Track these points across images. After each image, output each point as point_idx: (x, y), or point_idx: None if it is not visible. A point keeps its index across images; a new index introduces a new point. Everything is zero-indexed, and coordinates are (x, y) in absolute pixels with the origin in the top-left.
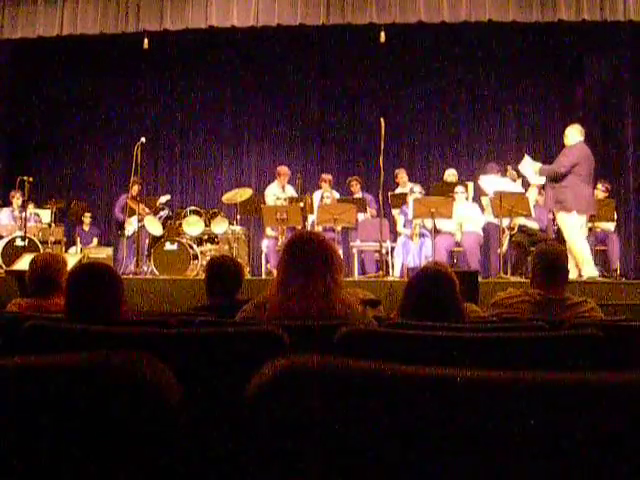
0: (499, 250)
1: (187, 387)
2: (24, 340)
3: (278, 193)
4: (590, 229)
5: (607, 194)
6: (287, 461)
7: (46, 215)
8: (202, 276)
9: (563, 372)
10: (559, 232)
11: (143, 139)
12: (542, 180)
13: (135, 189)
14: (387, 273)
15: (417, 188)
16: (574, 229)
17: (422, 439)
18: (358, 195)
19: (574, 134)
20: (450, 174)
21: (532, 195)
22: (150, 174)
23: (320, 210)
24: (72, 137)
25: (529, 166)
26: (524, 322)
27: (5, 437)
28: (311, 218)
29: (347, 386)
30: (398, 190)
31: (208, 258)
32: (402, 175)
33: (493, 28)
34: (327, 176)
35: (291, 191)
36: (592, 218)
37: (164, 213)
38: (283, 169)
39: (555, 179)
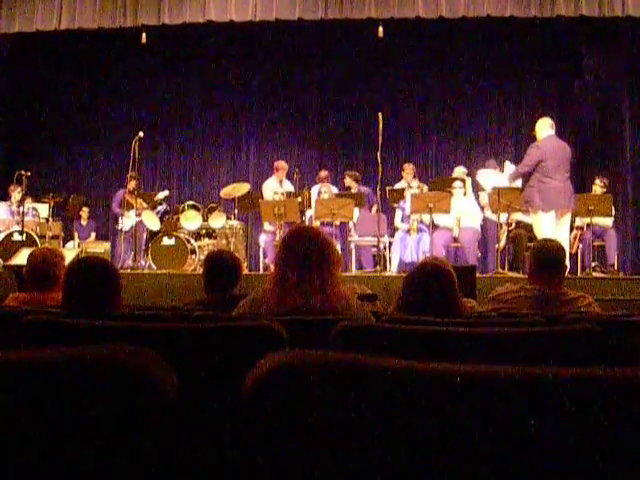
0: (497, 245)
1: (184, 381)
2: (22, 334)
3: (276, 188)
4: (588, 224)
5: (605, 189)
6: (284, 456)
7: (44, 210)
8: (200, 271)
9: (560, 367)
10: None
11: (141, 134)
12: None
13: (132, 184)
14: (384, 268)
15: (415, 183)
16: (543, 227)
17: (419, 434)
18: (355, 190)
19: (543, 128)
20: (459, 172)
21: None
22: (148, 169)
23: (318, 205)
24: (70, 131)
25: (494, 176)
26: (522, 317)
27: (3, 433)
28: (309, 213)
29: (344, 381)
30: (398, 185)
31: (206, 253)
32: (408, 170)
33: (491, 23)
34: (323, 173)
35: (289, 186)
36: (590, 213)
37: (162, 208)
38: (281, 164)
39: (525, 177)
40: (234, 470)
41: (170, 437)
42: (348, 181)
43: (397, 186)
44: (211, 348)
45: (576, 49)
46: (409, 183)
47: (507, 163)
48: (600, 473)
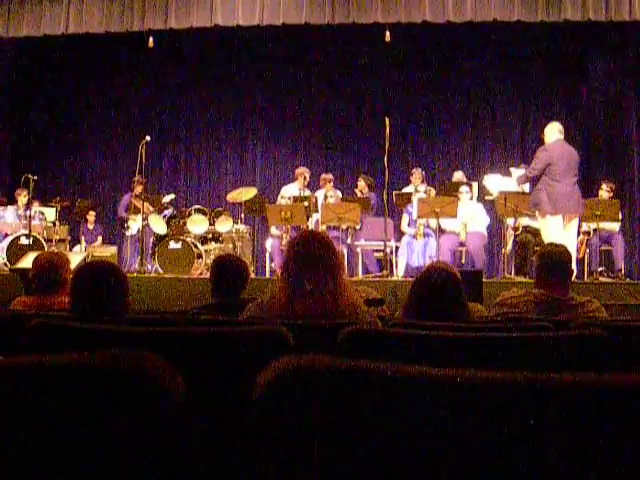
0: (503, 250)
1: (192, 386)
2: (29, 338)
3: (293, 193)
4: (595, 230)
5: (612, 194)
6: (291, 460)
7: (51, 213)
8: (206, 275)
9: (567, 372)
10: None
11: (148, 137)
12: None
13: (139, 188)
14: (391, 272)
15: (422, 188)
16: (550, 231)
17: (425, 439)
18: (365, 194)
19: (552, 132)
20: (458, 176)
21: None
22: (155, 173)
23: (324, 209)
24: (77, 135)
25: (501, 180)
26: (529, 322)
27: (10, 437)
28: (315, 217)
29: (351, 386)
30: (406, 190)
31: (212, 257)
32: (416, 175)
33: (498, 28)
34: (327, 176)
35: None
36: (597, 218)
37: (168, 212)
38: (301, 170)
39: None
40: (243, 473)
41: (178, 441)
42: (361, 184)
43: (405, 191)
44: (218, 352)
45: (583, 53)
46: (416, 187)
47: (512, 170)
48: (610, 477)
